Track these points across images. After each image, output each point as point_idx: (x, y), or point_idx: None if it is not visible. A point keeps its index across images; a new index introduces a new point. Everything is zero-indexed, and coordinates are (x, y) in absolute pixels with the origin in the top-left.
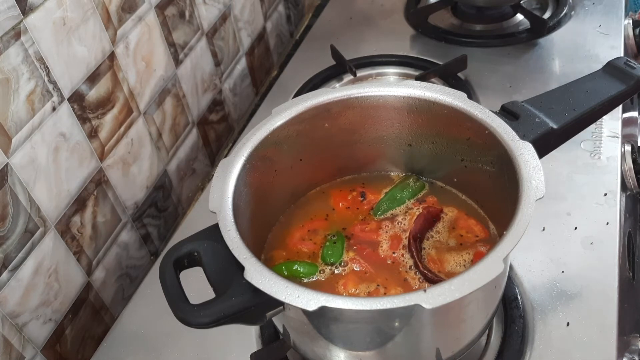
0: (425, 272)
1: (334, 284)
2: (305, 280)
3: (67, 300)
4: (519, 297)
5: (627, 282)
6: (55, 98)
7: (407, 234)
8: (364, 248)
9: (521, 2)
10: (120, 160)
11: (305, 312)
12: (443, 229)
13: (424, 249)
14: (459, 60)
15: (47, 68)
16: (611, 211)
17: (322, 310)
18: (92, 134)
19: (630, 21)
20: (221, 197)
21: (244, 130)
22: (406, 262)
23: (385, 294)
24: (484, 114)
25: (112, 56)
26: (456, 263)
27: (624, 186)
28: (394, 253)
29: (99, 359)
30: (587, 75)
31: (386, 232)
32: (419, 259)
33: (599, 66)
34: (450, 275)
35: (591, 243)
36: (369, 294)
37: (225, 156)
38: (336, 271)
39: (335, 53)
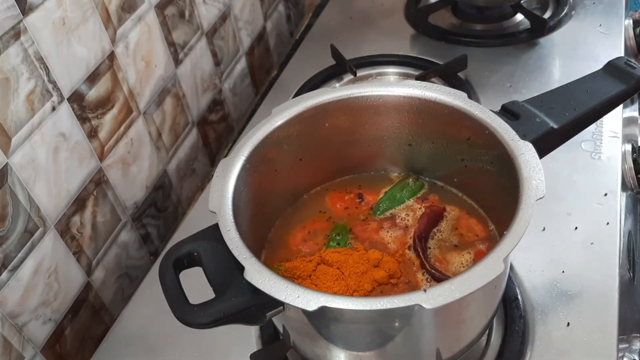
0: (433, 271)
1: None
2: None
3: (66, 300)
4: (519, 297)
5: (628, 282)
6: (55, 98)
7: (411, 234)
8: (367, 249)
9: (521, 1)
10: (120, 160)
11: (305, 312)
12: (446, 228)
13: (429, 248)
14: (459, 60)
15: (47, 68)
16: (611, 211)
17: (322, 310)
18: (92, 134)
19: (631, 21)
20: (221, 197)
21: (244, 130)
22: (412, 262)
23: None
24: (484, 113)
25: (111, 56)
26: (459, 263)
27: (624, 186)
28: (399, 253)
29: (98, 359)
30: (587, 75)
31: (388, 232)
32: (426, 259)
33: (600, 66)
34: (455, 274)
35: (591, 243)
36: None
37: (225, 156)
38: None
39: (335, 53)
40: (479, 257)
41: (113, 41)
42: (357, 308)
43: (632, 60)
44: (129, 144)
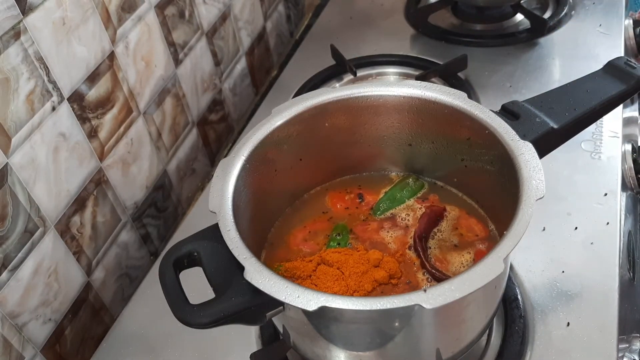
0: (434, 271)
1: None
2: None
3: (66, 300)
4: (519, 297)
5: (628, 282)
6: (55, 98)
7: (412, 234)
8: (367, 249)
9: (521, 1)
10: (120, 160)
11: (305, 312)
12: (447, 227)
13: (430, 247)
14: (459, 60)
15: (47, 68)
16: (611, 211)
17: (322, 310)
18: (92, 134)
19: (631, 21)
20: (221, 197)
21: (244, 130)
22: (413, 262)
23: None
24: (484, 113)
25: (111, 56)
26: (459, 263)
27: (624, 186)
28: (399, 253)
29: (98, 359)
30: (587, 75)
31: (388, 232)
32: (426, 259)
33: (599, 66)
34: (455, 274)
35: (591, 243)
36: None
37: (225, 156)
38: None
39: (335, 53)
40: (479, 257)
41: (113, 41)
42: (357, 308)
43: (632, 60)
44: (129, 144)
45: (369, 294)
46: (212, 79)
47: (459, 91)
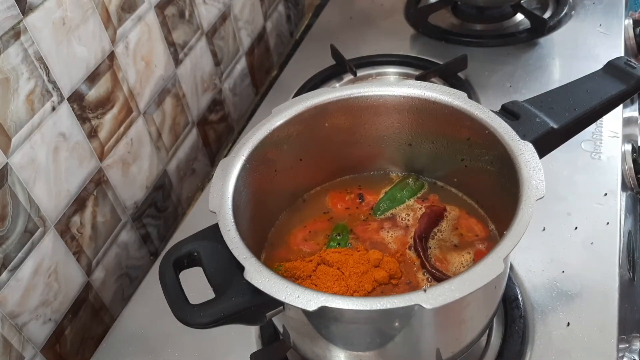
0: (434, 271)
1: None
2: None
3: (66, 300)
4: (519, 297)
5: (628, 282)
6: (54, 98)
7: (412, 234)
8: (367, 249)
9: (521, 1)
10: (120, 160)
11: (305, 312)
12: (447, 227)
13: (430, 247)
14: (459, 60)
15: (47, 68)
16: (611, 211)
17: (322, 310)
18: (92, 134)
19: (631, 21)
20: (221, 197)
21: (244, 130)
22: (413, 262)
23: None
24: (484, 113)
25: (111, 56)
26: (459, 263)
27: (624, 186)
28: (399, 253)
29: (98, 359)
30: (587, 75)
31: (388, 232)
32: (426, 259)
33: (599, 66)
34: (456, 274)
35: (591, 243)
36: None
37: (225, 156)
38: None
39: (335, 53)
40: (478, 257)
41: (113, 41)
42: (357, 308)
43: (632, 60)
44: (129, 144)
45: (369, 294)
46: (212, 79)
47: (459, 91)
